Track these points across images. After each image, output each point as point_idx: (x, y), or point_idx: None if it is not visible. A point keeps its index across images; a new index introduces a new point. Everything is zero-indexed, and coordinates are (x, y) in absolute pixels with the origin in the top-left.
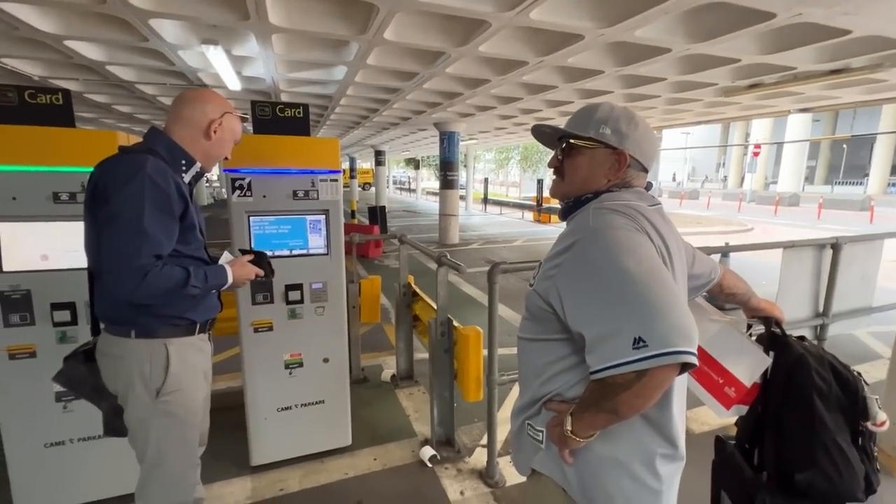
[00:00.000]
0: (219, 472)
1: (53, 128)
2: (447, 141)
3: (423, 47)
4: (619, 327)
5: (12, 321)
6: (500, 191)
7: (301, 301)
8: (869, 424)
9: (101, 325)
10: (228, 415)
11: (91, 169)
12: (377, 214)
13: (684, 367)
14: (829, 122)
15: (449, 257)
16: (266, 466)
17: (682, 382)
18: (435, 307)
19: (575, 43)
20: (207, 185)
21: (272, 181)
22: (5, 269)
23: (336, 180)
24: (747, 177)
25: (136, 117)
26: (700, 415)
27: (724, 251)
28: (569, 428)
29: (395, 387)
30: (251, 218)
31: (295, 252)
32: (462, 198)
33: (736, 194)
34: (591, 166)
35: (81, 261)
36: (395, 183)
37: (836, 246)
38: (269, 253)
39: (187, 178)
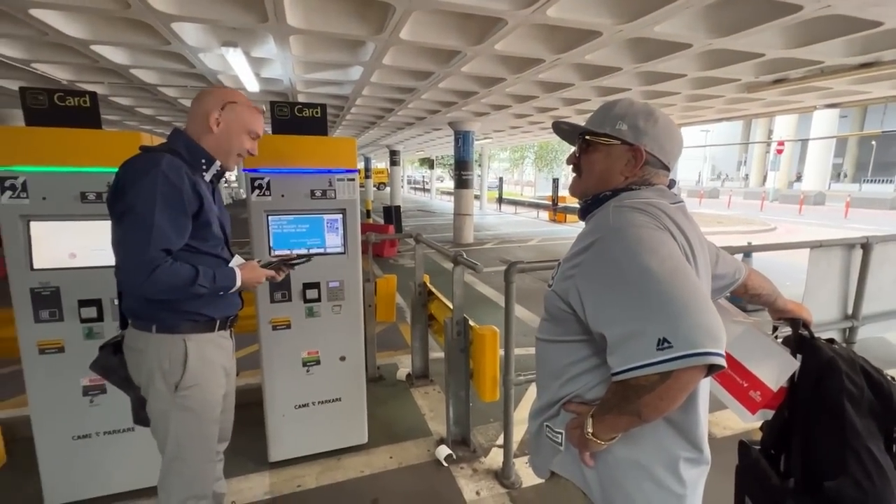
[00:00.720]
0: (237, 467)
1: (81, 129)
2: (462, 140)
3: (439, 46)
4: (643, 328)
5: (42, 317)
6: (515, 190)
7: (318, 299)
8: None
9: (129, 320)
10: (247, 411)
11: (116, 169)
12: (392, 214)
13: (710, 369)
14: (856, 118)
15: (465, 256)
16: (283, 463)
17: (705, 385)
18: (450, 306)
19: (592, 40)
20: (226, 185)
21: (290, 180)
22: (36, 266)
23: (353, 180)
24: (770, 175)
25: (159, 119)
26: (722, 419)
27: (747, 251)
28: (590, 430)
29: (410, 385)
30: (270, 217)
31: (312, 251)
32: (476, 197)
33: (758, 193)
34: (608, 163)
35: (108, 259)
36: (409, 182)
37: (866, 246)
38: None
39: (208, 176)
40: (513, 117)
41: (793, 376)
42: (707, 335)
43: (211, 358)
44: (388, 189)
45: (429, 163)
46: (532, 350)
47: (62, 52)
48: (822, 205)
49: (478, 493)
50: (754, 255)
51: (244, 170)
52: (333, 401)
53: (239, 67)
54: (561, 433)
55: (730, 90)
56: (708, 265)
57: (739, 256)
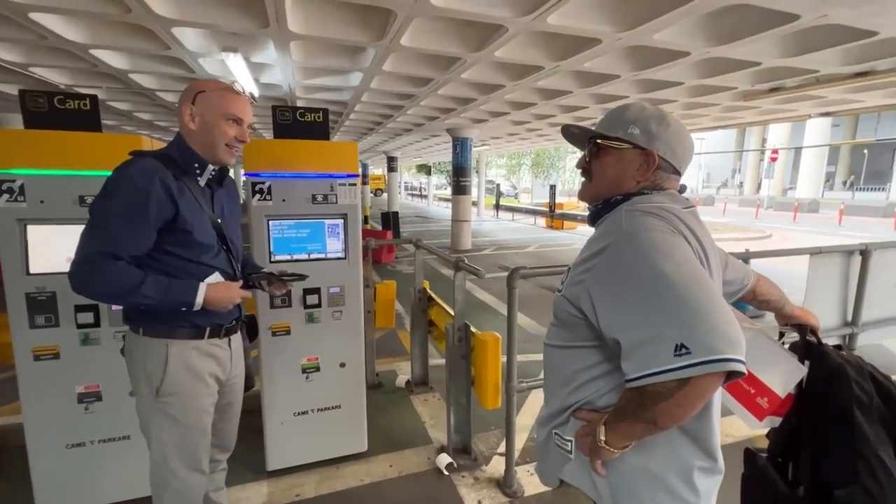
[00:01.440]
0: (235, 476)
1: (81, 132)
2: (460, 147)
3: (439, 53)
4: (659, 333)
5: (38, 322)
6: (511, 196)
7: (319, 305)
8: None
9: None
10: (245, 419)
11: None
12: (390, 220)
13: (728, 376)
14: (849, 126)
15: (467, 262)
16: (282, 471)
17: (718, 392)
18: (451, 312)
19: (592, 47)
20: None
21: (292, 185)
22: (32, 271)
23: (354, 184)
24: (764, 182)
25: (156, 124)
26: (725, 426)
27: (745, 258)
28: (602, 438)
29: (409, 393)
30: (270, 222)
31: (313, 256)
32: (474, 203)
33: (752, 200)
34: (619, 167)
35: None
36: (406, 189)
37: (865, 252)
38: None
39: (203, 180)
40: (511, 124)
41: (800, 383)
42: (727, 341)
43: (196, 366)
44: (385, 195)
45: (426, 169)
46: (533, 357)
47: (61, 56)
48: (816, 212)
49: (479, 502)
50: (752, 261)
51: (245, 174)
52: (333, 408)
53: (238, 72)
54: (570, 441)
55: (726, 98)
56: (720, 270)
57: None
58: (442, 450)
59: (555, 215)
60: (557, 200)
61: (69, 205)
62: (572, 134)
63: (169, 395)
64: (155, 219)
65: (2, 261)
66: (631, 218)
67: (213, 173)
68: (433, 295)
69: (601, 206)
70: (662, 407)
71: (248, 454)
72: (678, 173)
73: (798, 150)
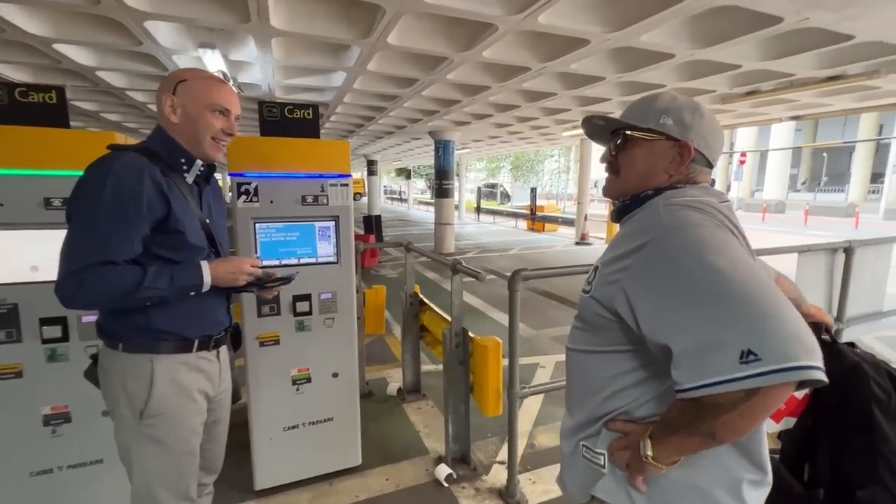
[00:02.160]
0: (219, 497)
1: (46, 128)
2: (442, 149)
3: (426, 52)
4: (721, 337)
5: None
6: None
7: (309, 312)
8: None
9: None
10: (231, 435)
11: None
12: (373, 223)
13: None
14: (810, 130)
15: (464, 264)
16: (271, 490)
17: None
18: (446, 317)
19: (580, 48)
20: None
21: (280, 186)
22: None
23: (346, 185)
24: (734, 185)
25: (125, 126)
26: None
27: None
28: (649, 453)
29: (401, 401)
30: (257, 224)
31: (303, 260)
32: (455, 207)
33: None
34: (651, 160)
35: None
36: (385, 192)
37: (848, 250)
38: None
39: (190, 178)
40: (493, 126)
41: None
42: (801, 346)
43: (184, 382)
44: (364, 199)
45: (406, 173)
46: (529, 361)
47: (21, 50)
48: (782, 213)
49: None
50: None
51: (230, 174)
52: (325, 421)
53: (216, 71)
54: (603, 454)
55: (705, 102)
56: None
57: None
58: (439, 460)
59: (536, 218)
60: (538, 203)
61: (33, 208)
62: (594, 126)
63: (154, 417)
64: (147, 218)
65: None
66: (671, 212)
67: (202, 169)
68: (425, 299)
69: (629, 202)
70: (724, 419)
71: (233, 472)
72: (710, 166)
73: (764, 153)
